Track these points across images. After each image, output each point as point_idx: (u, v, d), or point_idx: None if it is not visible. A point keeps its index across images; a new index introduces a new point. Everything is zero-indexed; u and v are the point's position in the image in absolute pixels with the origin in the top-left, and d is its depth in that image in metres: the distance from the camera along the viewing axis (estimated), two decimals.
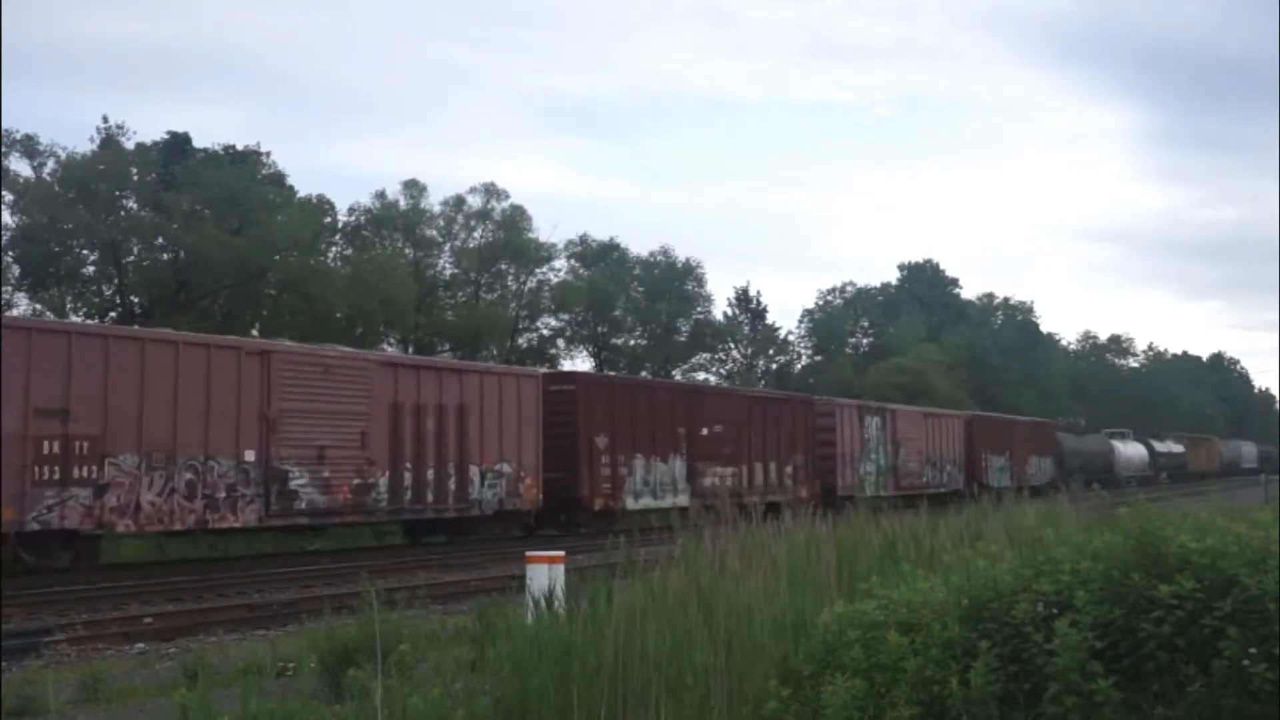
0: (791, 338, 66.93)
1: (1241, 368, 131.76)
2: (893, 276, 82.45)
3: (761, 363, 62.72)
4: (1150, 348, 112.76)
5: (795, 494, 32.15)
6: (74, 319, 33.58)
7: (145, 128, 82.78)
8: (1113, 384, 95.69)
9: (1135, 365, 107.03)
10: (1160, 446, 74.36)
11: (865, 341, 72.28)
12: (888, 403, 44.37)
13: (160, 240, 35.53)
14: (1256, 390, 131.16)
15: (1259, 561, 5.20)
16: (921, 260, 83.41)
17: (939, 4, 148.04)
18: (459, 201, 45.26)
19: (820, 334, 68.16)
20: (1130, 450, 68.25)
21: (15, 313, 33.86)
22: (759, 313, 63.09)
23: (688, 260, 56.04)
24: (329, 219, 40.96)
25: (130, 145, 36.08)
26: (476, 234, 45.70)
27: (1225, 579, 5.17)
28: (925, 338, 67.04)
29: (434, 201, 44.95)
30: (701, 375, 58.03)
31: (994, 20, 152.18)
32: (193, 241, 33.60)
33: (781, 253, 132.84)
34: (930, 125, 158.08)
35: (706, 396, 33.82)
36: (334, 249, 41.74)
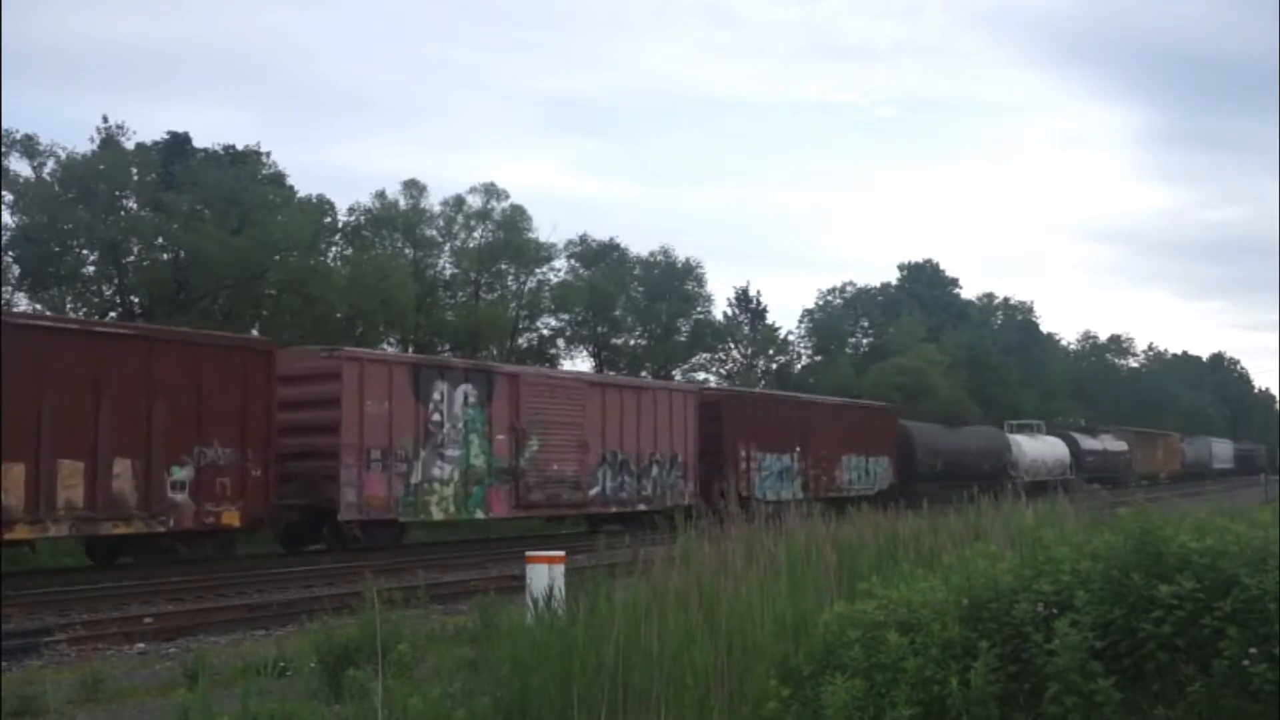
0: (791, 338, 66.89)
1: (1241, 368, 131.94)
2: (893, 276, 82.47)
3: (761, 363, 62.65)
4: (1150, 348, 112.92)
5: (197, 518, 19.52)
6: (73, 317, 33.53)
7: (145, 128, 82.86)
8: (1113, 384, 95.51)
9: (1135, 365, 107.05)
10: (1090, 443, 59.90)
11: (865, 341, 72.20)
12: (502, 364, 30.09)
13: (160, 240, 35.48)
14: (1256, 390, 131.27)
15: (1259, 561, 5.21)
16: (921, 260, 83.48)
17: (940, 4, 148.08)
18: (459, 201, 45.23)
19: (820, 334, 68.06)
20: (1038, 447, 53.22)
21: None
22: (759, 313, 63.03)
23: (688, 260, 55.96)
24: (329, 219, 40.90)
25: (130, 145, 36.06)
26: (476, 234, 45.64)
27: (1225, 579, 5.17)
28: (925, 338, 66.93)
29: (434, 201, 44.92)
30: (702, 375, 58.00)
31: (995, 20, 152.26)
32: (193, 241, 33.57)
33: (781, 253, 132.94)
34: (932, 125, 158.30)
35: None
36: (334, 249, 41.66)
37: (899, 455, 40.25)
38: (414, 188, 44.20)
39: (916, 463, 40.59)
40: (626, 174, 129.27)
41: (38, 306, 34.14)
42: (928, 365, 60.27)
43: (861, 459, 37.87)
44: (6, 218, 33.61)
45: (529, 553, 10.38)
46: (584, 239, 54.18)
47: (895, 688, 5.52)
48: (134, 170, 35.54)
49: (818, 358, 66.23)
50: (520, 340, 47.78)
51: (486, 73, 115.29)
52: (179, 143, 37.92)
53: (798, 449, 34.35)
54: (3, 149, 33.51)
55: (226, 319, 34.81)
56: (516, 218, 45.55)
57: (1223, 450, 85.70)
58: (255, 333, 33.60)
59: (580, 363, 51.73)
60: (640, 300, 54.14)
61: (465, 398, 24.60)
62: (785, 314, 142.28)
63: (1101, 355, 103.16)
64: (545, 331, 50.10)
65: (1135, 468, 61.43)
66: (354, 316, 37.16)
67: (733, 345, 61.39)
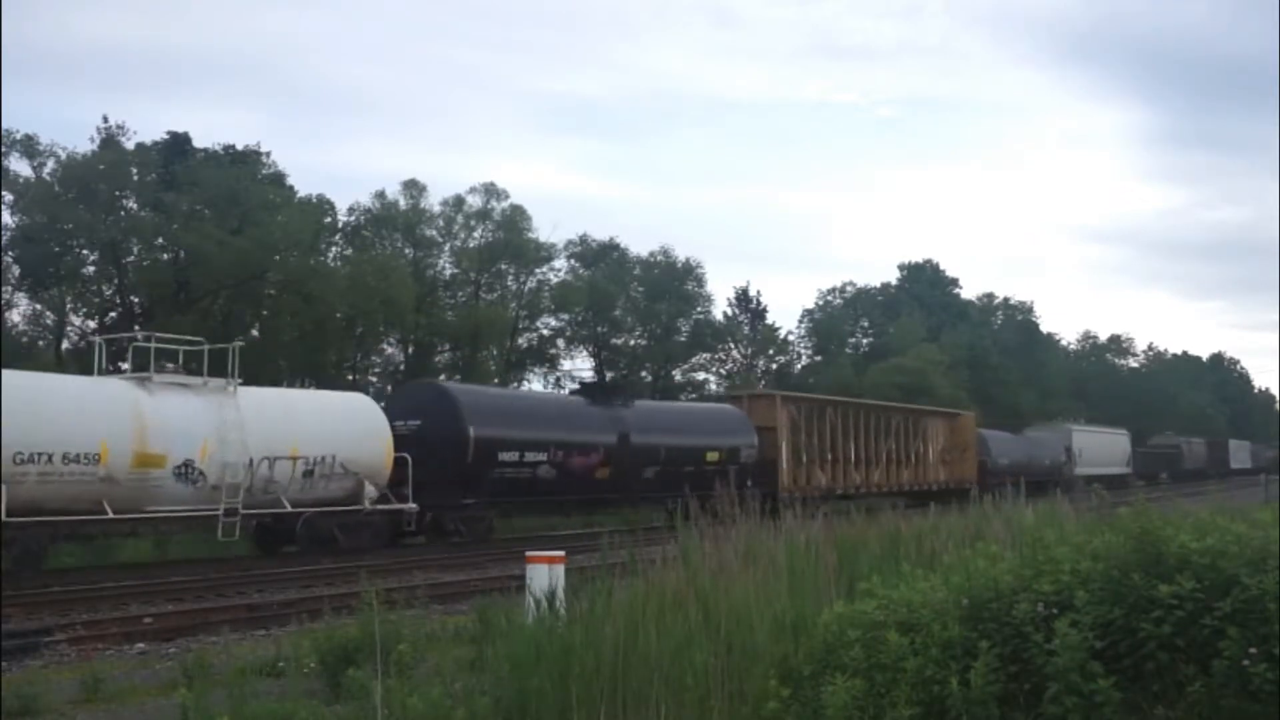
0: (791, 338, 66.89)
1: (1241, 368, 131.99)
2: (893, 276, 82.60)
3: (761, 363, 62.63)
4: (1150, 348, 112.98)
5: None
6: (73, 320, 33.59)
7: (145, 128, 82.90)
8: (1113, 384, 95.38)
9: (1135, 365, 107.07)
10: (586, 432, 27.39)
11: (865, 341, 72.21)
12: None
13: (160, 240, 35.48)
14: (1256, 390, 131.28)
15: (1259, 561, 5.20)
16: (922, 260, 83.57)
17: (942, 4, 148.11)
18: (459, 201, 45.23)
19: (820, 334, 68.06)
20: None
21: (15, 313, 33.94)
22: (759, 313, 63.01)
23: (688, 260, 55.99)
24: (329, 219, 40.91)
25: (130, 145, 36.07)
26: (476, 234, 45.64)
27: (1225, 579, 5.16)
28: (925, 338, 66.92)
29: (434, 201, 44.95)
30: (701, 375, 58.01)
31: (997, 20, 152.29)
32: (193, 241, 33.56)
33: (781, 253, 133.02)
34: (932, 126, 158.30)
35: None
36: (334, 249, 41.67)
37: None
38: (414, 188, 44.22)
39: None
40: (626, 174, 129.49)
41: (38, 307, 34.19)
42: (928, 365, 60.23)
43: None
44: (6, 218, 33.65)
45: (529, 553, 10.35)
46: (584, 239, 54.26)
47: (895, 688, 5.51)
48: (134, 170, 35.54)
49: (818, 358, 66.21)
50: (520, 340, 47.78)
51: (486, 73, 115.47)
52: (179, 143, 37.92)
53: None
54: (3, 149, 33.51)
55: (226, 319, 34.80)
56: (516, 218, 45.55)
57: (1103, 448, 53.14)
58: (255, 333, 33.59)
59: (580, 363, 51.77)
60: (640, 300, 54.13)
61: None
62: (785, 314, 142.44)
63: (1101, 355, 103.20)
64: (545, 331, 50.13)
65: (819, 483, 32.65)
66: (354, 316, 37.15)
67: (733, 345, 61.40)
